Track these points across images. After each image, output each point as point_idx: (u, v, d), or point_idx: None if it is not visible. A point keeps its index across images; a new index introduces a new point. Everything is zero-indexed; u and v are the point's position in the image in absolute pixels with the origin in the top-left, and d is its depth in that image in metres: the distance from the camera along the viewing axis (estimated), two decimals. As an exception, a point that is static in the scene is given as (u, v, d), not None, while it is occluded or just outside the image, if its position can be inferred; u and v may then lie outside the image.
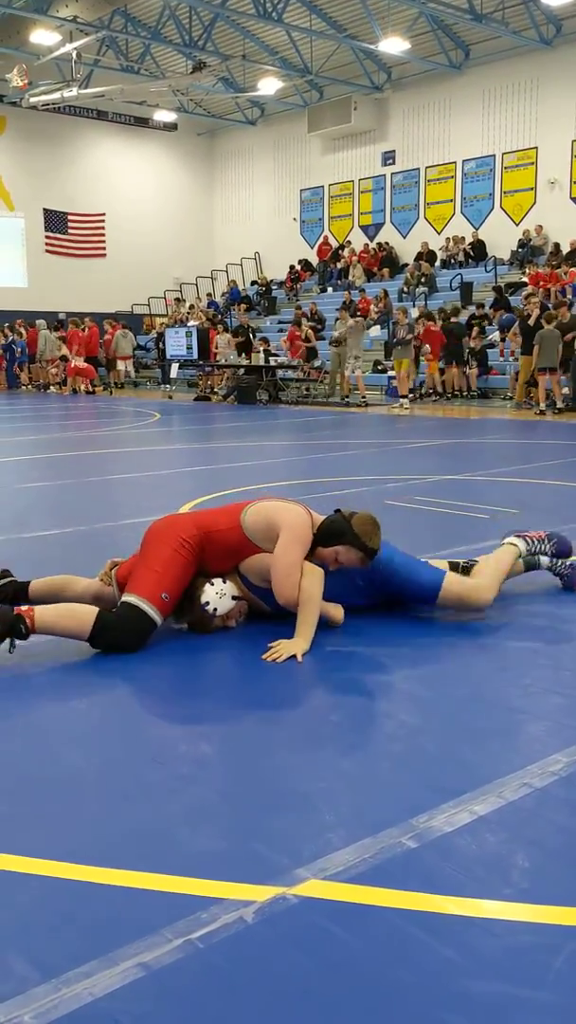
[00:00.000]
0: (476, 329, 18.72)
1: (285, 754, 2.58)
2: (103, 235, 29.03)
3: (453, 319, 18.08)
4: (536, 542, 3.90)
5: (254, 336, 21.25)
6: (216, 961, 1.68)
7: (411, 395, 17.70)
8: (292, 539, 3.48)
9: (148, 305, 28.99)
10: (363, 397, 17.77)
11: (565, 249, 20.54)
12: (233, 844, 2.07)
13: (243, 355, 20.11)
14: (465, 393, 17.99)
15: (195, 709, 2.89)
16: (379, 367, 19.92)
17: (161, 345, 22.65)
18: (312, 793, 2.31)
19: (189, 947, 1.71)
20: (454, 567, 3.96)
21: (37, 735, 2.72)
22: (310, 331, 20.51)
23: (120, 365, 23.60)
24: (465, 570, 3.96)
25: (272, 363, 19.23)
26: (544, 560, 4.05)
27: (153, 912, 1.82)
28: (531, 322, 15.36)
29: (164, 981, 1.63)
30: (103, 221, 28.94)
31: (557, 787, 2.32)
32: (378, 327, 21.84)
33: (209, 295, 28.98)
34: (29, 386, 24.36)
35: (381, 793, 2.33)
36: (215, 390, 20.91)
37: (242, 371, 19.62)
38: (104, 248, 29.03)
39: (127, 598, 3.41)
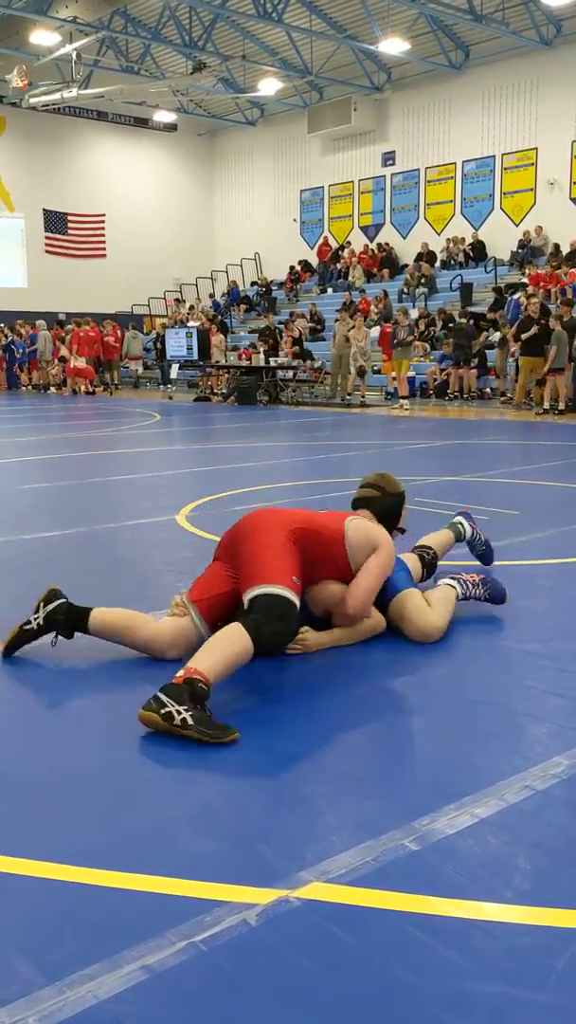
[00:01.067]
0: (484, 334, 18.72)
1: (288, 756, 2.59)
2: (103, 235, 29.06)
3: (462, 320, 18.06)
4: (471, 586, 3.83)
5: (280, 337, 21.06)
6: (219, 963, 1.69)
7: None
8: (385, 562, 3.42)
9: (148, 306, 29.01)
10: (362, 397, 17.81)
11: (565, 250, 20.54)
12: (236, 846, 2.08)
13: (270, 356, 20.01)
14: (463, 395, 17.97)
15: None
16: (375, 369, 19.94)
17: (160, 345, 22.73)
18: (315, 795, 2.32)
19: (192, 949, 1.72)
20: (421, 557, 4.01)
21: (38, 736, 2.73)
22: (300, 329, 20.45)
23: (132, 365, 24.72)
24: (430, 566, 4.03)
25: (272, 364, 19.25)
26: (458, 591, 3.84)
27: (156, 914, 1.83)
28: (536, 330, 15.30)
29: (168, 983, 1.64)
30: (103, 221, 28.98)
31: (559, 789, 2.33)
32: (378, 328, 21.84)
33: (212, 296, 28.99)
34: (29, 387, 24.40)
35: (383, 795, 2.34)
36: (215, 391, 20.92)
37: (241, 372, 19.65)
38: (104, 248, 29.06)
39: (260, 590, 3.03)
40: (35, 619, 3.28)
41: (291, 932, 1.78)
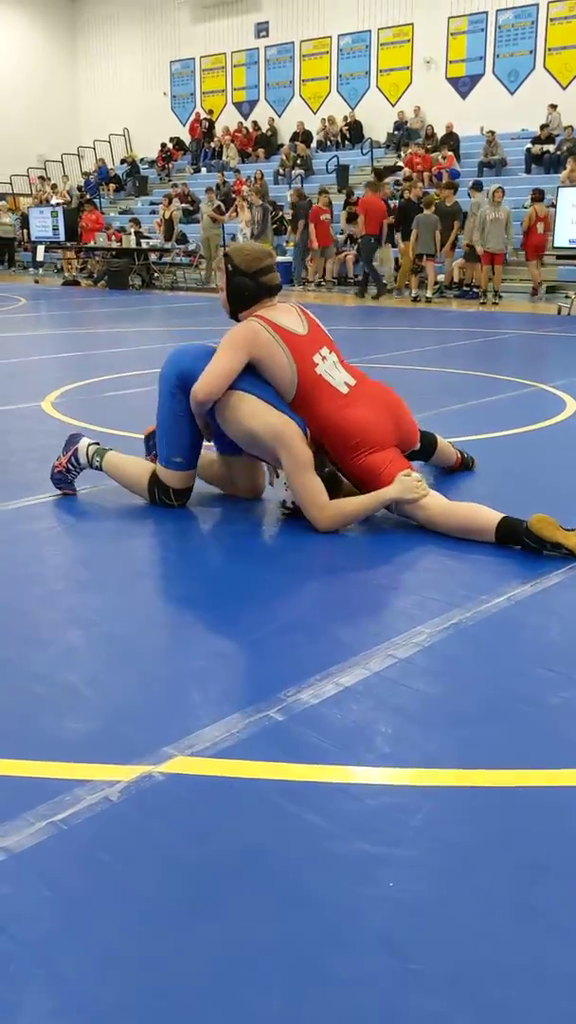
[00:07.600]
0: (346, 214, 18.44)
1: (155, 637, 2.56)
2: (-43, 106, 27.06)
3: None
4: None
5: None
6: (81, 841, 1.67)
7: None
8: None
9: (11, 184, 27.39)
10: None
11: (440, 132, 20.27)
12: (99, 727, 2.05)
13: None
14: (338, 280, 17.80)
15: (69, 594, 2.82)
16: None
17: (25, 226, 21.52)
18: (181, 674, 2.30)
19: (52, 828, 1.69)
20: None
21: None
22: (174, 213, 19.69)
23: None
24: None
25: (144, 246, 18.56)
26: None
27: (13, 798, 1.79)
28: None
29: (26, 864, 1.61)
30: (-43, 90, 26.94)
31: (420, 657, 2.37)
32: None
33: (86, 175, 27.45)
34: None
35: (249, 670, 2.34)
36: (81, 273, 20.09)
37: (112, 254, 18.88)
38: (-41, 120, 27.10)
39: None
40: None
41: (155, 806, 1.77)
